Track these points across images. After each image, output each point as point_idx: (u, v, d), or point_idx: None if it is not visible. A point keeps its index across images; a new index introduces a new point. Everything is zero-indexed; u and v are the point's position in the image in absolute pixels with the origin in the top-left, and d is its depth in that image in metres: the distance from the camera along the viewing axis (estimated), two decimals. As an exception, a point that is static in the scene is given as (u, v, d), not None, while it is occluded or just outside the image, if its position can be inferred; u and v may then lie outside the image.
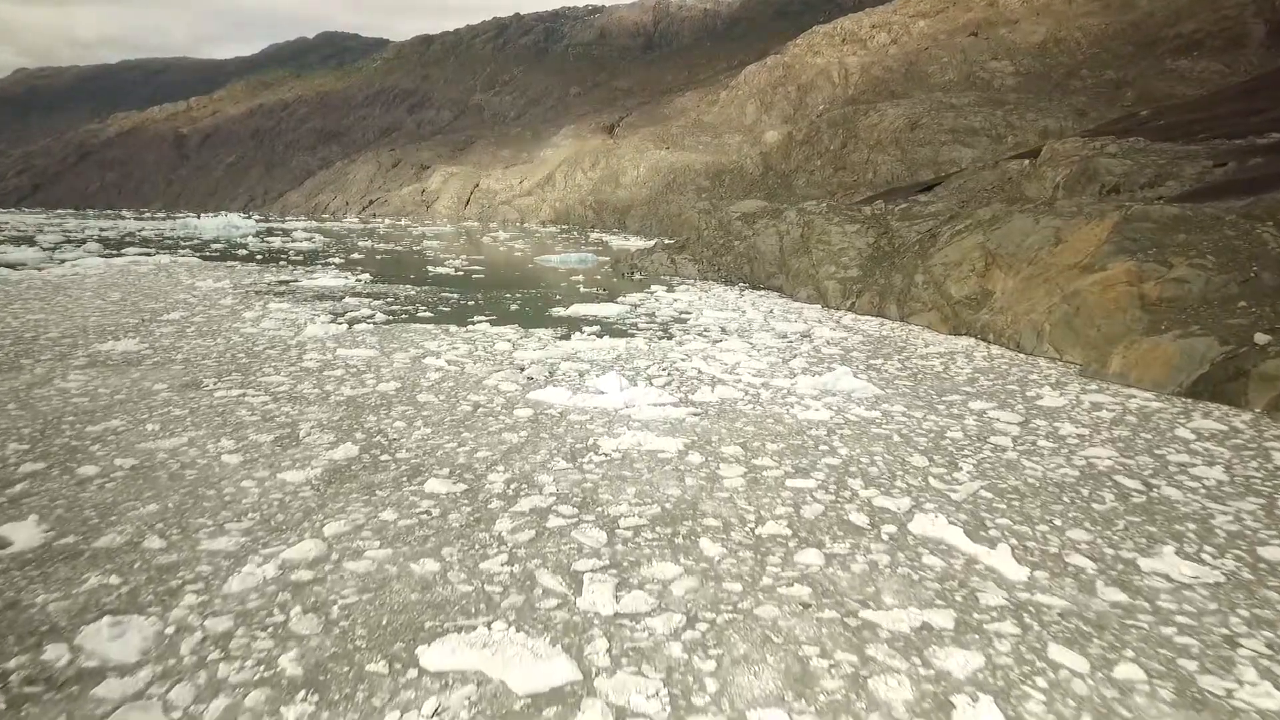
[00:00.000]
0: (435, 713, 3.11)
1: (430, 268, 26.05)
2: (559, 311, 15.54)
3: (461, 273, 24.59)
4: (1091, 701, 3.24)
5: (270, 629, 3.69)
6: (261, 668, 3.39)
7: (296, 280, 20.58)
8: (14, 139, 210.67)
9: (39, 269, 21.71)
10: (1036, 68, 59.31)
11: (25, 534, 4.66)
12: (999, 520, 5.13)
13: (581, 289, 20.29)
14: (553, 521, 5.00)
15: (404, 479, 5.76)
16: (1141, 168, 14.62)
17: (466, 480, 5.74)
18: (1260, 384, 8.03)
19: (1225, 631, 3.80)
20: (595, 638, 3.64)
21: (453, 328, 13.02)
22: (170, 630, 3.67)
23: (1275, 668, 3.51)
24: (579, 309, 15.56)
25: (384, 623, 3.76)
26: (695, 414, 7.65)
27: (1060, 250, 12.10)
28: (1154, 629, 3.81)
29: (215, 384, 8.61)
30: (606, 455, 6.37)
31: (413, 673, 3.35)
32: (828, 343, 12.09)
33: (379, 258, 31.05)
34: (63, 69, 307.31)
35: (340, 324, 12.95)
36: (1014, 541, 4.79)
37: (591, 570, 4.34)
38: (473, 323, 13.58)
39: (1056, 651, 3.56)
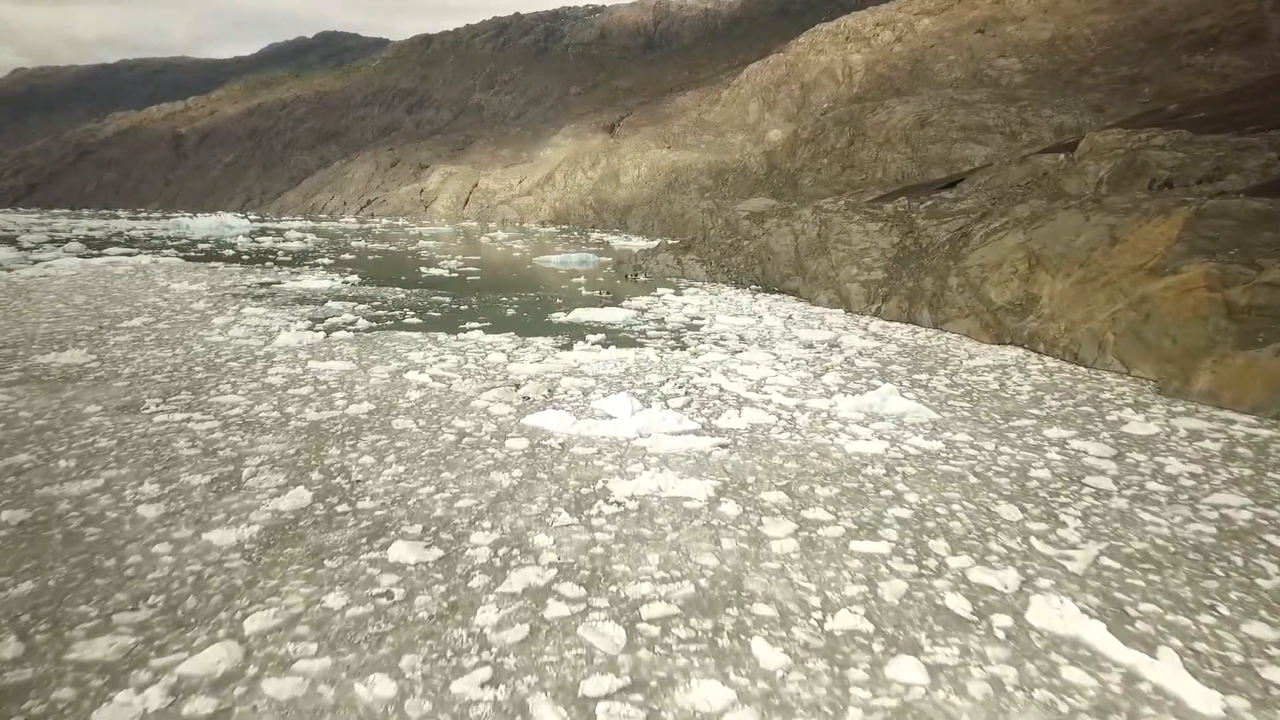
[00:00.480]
0: None
1: (423, 269, 24.74)
2: (559, 317, 14.28)
3: (456, 274, 23.26)
4: None
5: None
6: None
7: (279, 282, 19.29)
8: (12, 139, 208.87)
9: (8, 270, 20.44)
10: (1046, 65, 58.05)
11: None
12: (1143, 606, 3.89)
13: (583, 292, 19.00)
14: (553, 609, 3.77)
15: (363, 540, 4.52)
16: (1196, 160, 13.35)
17: (442, 543, 4.50)
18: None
19: None
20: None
21: (442, 336, 11.76)
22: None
23: None
24: (581, 314, 14.28)
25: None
26: (723, 445, 6.41)
27: (1119, 251, 10.85)
28: None
29: (158, 406, 7.36)
30: (619, 505, 5.13)
31: None
32: (860, 354, 10.84)
33: (371, 258, 29.73)
34: (61, 69, 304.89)
35: (317, 331, 11.69)
36: (1177, 642, 3.56)
37: (608, 696, 3.11)
38: (464, 330, 12.31)
39: None
